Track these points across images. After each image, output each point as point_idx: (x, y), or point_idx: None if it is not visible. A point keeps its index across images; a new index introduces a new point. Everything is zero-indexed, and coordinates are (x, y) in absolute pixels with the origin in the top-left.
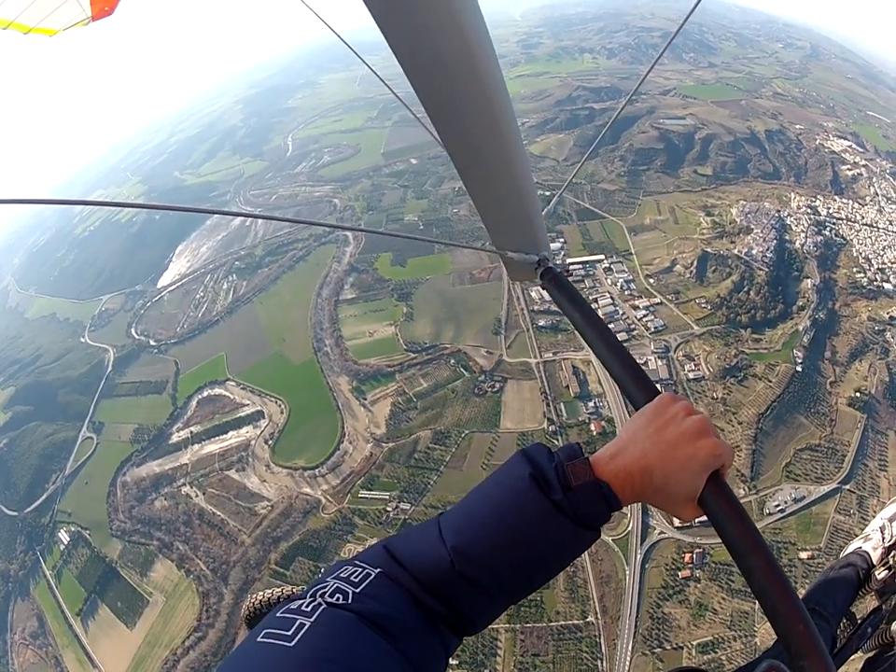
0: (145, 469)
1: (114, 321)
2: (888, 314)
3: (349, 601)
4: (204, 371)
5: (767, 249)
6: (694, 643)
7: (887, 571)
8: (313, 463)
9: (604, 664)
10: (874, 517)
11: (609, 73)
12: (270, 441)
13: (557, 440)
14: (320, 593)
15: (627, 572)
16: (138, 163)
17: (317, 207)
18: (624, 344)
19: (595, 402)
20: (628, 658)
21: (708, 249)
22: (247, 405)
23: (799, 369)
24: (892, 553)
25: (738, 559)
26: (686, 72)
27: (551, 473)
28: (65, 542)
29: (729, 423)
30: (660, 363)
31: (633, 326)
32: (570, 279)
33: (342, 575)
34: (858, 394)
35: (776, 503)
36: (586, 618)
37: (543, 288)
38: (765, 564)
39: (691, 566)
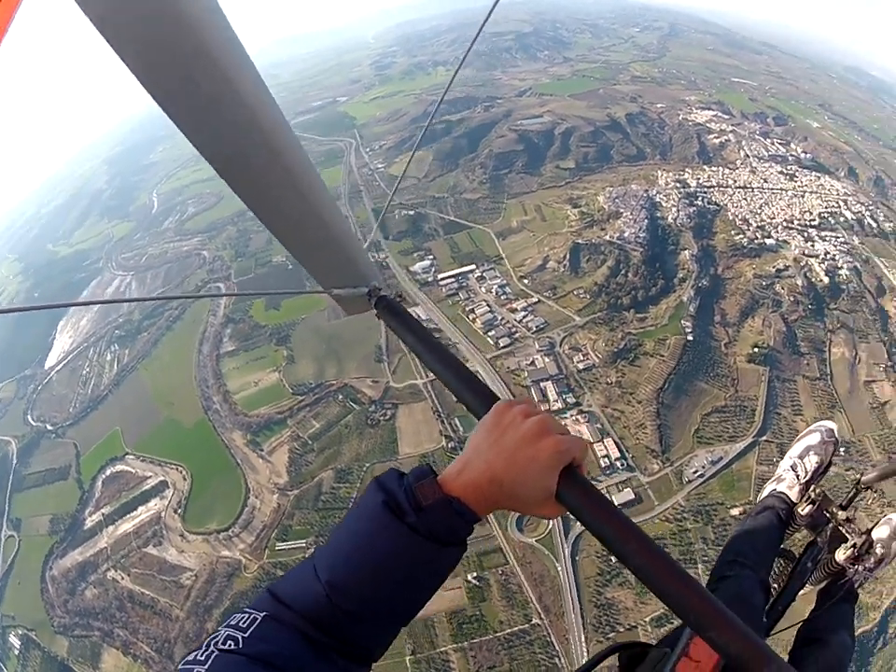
0: (68, 559)
1: (10, 410)
2: (773, 267)
3: (240, 646)
4: (103, 450)
5: (639, 230)
6: (647, 619)
7: (811, 506)
8: (225, 524)
9: (561, 660)
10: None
11: (464, 82)
12: (179, 510)
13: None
14: (213, 642)
15: (559, 568)
16: (12, 241)
17: (187, 263)
18: (477, 357)
19: None
20: (584, 649)
21: (579, 240)
22: (150, 477)
23: (690, 338)
24: (812, 488)
25: (611, 548)
26: (541, 70)
27: (402, 497)
28: (18, 647)
29: (628, 404)
30: (547, 360)
31: (514, 329)
32: (435, 290)
33: (231, 623)
34: (756, 349)
35: (693, 470)
36: (531, 621)
37: (378, 318)
38: (638, 545)
39: None
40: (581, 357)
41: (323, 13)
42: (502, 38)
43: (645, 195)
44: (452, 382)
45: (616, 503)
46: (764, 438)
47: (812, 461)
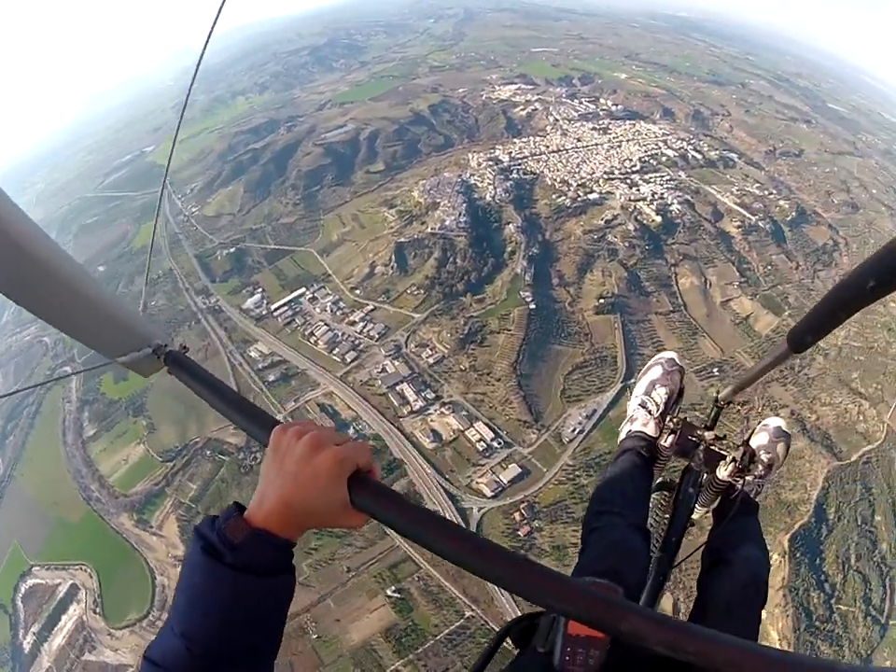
0: None
1: None
2: (601, 219)
3: None
4: (10, 568)
5: (459, 215)
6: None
7: (672, 435)
8: (143, 611)
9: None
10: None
11: (265, 107)
12: (97, 610)
13: None
14: None
15: None
16: None
17: (32, 353)
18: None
19: (353, 427)
20: None
21: (402, 239)
22: (60, 584)
23: (532, 306)
24: (668, 418)
25: (421, 542)
26: (339, 80)
27: (216, 540)
28: None
29: (488, 384)
30: (397, 363)
31: (357, 341)
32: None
33: None
34: (601, 300)
35: (570, 429)
36: (464, 615)
37: (170, 373)
38: (447, 534)
39: (525, 521)
40: (430, 352)
41: (121, 65)
42: (297, 55)
43: (459, 180)
44: (235, 417)
45: (436, 509)
46: (633, 380)
47: (661, 393)
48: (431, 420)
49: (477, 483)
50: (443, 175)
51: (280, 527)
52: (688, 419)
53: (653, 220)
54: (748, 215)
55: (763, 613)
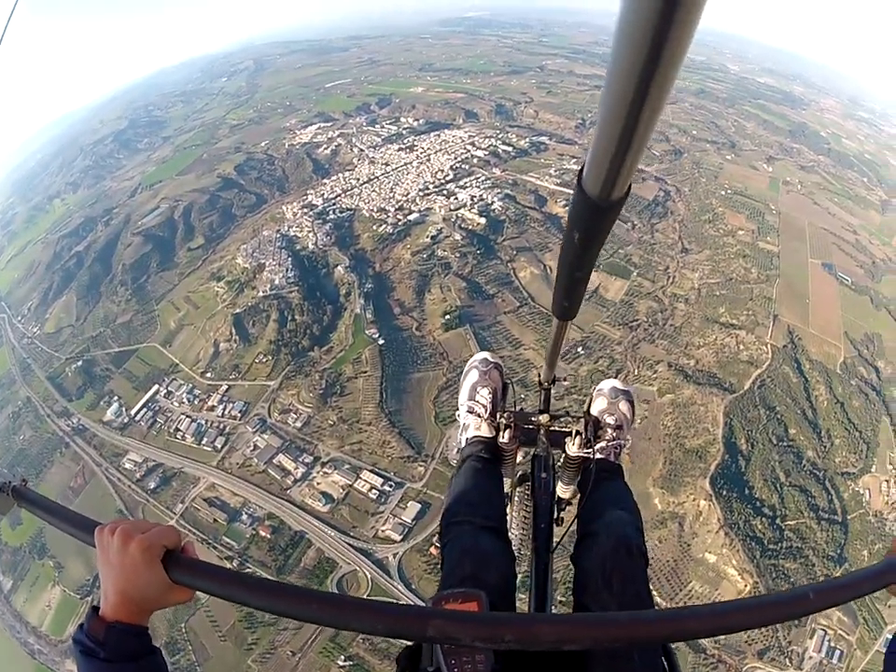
0: None
1: None
2: (426, 237)
3: None
4: None
5: (287, 270)
6: None
7: (509, 430)
8: None
9: None
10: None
11: (81, 205)
12: None
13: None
14: None
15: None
16: None
17: None
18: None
19: (246, 512)
20: None
21: (237, 310)
22: None
23: (381, 341)
24: (499, 416)
25: (239, 602)
26: (146, 161)
27: (87, 641)
28: None
29: (361, 431)
30: (266, 437)
31: (222, 425)
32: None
33: None
34: (447, 316)
35: (454, 450)
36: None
37: (20, 507)
38: (259, 590)
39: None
40: (295, 416)
41: None
42: (102, 144)
43: (279, 235)
44: (69, 529)
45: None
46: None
47: (484, 394)
48: (317, 483)
49: (382, 531)
50: (262, 234)
51: (127, 616)
52: (521, 409)
53: (478, 224)
54: (570, 191)
55: (713, 556)
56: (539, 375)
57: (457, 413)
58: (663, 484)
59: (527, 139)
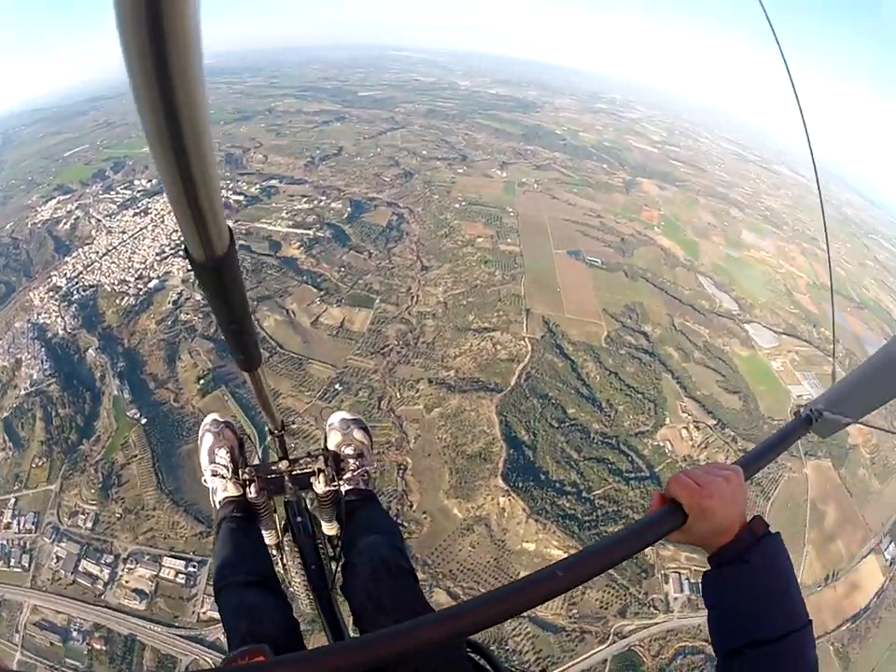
0: None
1: None
2: (168, 303)
3: None
4: None
5: (42, 362)
6: None
7: (254, 484)
8: None
9: None
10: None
11: None
12: None
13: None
14: None
15: None
16: None
17: None
18: None
19: (74, 628)
20: None
21: (5, 414)
22: None
23: (143, 420)
24: (241, 472)
25: None
26: None
27: None
28: None
29: (149, 518)
30: (65, 545)
31: (22, 541)
32: None
33: None
34: (201, 381)
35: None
36: None
37: None
38: None
39: None
40: (83, 517)
41: None
42: None
43: (30, 325)
44: None
45: None
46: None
47: (222, 454)
48: (126, 582)
49: (203, 612)
50: (14, 326)
51: None
52: (258, 464)
53: None
54: (304, 232)
55: (531, 544)
56: (267, 425)
57: (203, 479)
58: (456, 494)
59: (257, 185)
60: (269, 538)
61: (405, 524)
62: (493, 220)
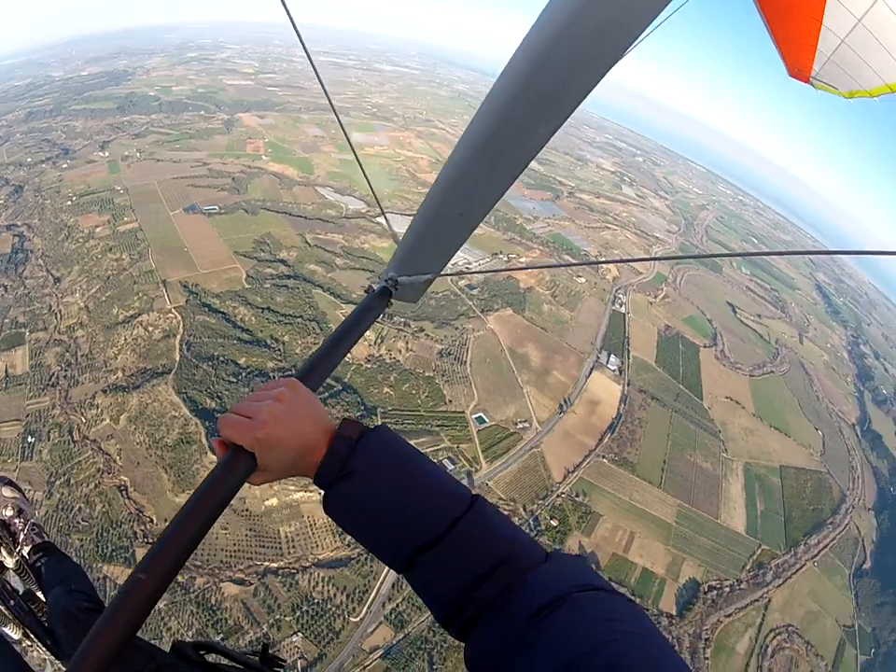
0: None
1: None
2: None
3: None
4: None
5: None
6: None
7: None
8: None
9: None
10: None
11: None
12: None
13: None
14: None
15: None
16: None
17: None
18: None
19: None
20: None
21: None
22: None
23: None
24: None
25: None
26: None
27: None
28: None
29: None
30: None
31: None
32: None
33: None
34: None
35: None
36: None
37: None
38: None
39: None
40: None
41: None
42: None
43: None
44: None
45: None
46: None
47: None
48: None
49: None
50: None
51: None
52: None
53: None
54: None
55: (275, 500)
56: None
57: None
58: (182, 487)
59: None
60: (13, 633)
61: (155, 540)
62: (106, 205)
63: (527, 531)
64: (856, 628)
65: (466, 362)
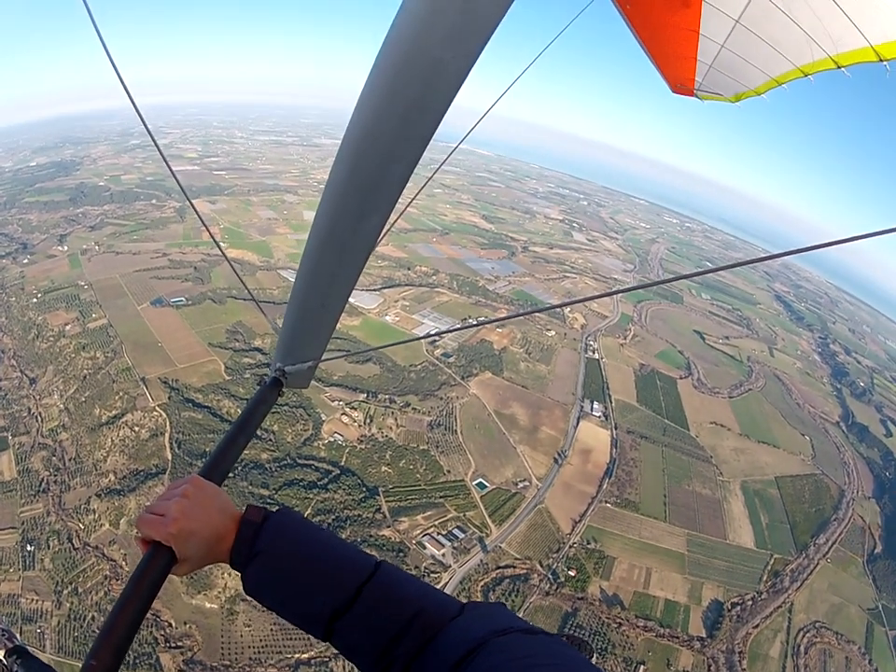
0: None
1: None
2: None
3: None
4: None
5: None
6: None
7: None
8: None
9: None
10: None
11: None
12: None
13: None
14: None
15: None
16: None
17: None
18: None
19: None
20: None
21: None
22: None
23: None
24: None
25: None
26: None
27: None
28: None
29: None
30: None
31: None
32: None
33: None
34: None
35: None
36: None
37: None
38: None
39: None
40: None
41: None
42: None
43: None
44: None
45: None
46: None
47: None
48: None
49: None
50: None
51: None
52: None
53: None
54: None
55: None
56: None
57: None
58: (196, 589)
59: None
60: None
61: (178, 643)
62: (72, 301)
63: (547, 586)
64: (880, 608)
65: (456, 431)
